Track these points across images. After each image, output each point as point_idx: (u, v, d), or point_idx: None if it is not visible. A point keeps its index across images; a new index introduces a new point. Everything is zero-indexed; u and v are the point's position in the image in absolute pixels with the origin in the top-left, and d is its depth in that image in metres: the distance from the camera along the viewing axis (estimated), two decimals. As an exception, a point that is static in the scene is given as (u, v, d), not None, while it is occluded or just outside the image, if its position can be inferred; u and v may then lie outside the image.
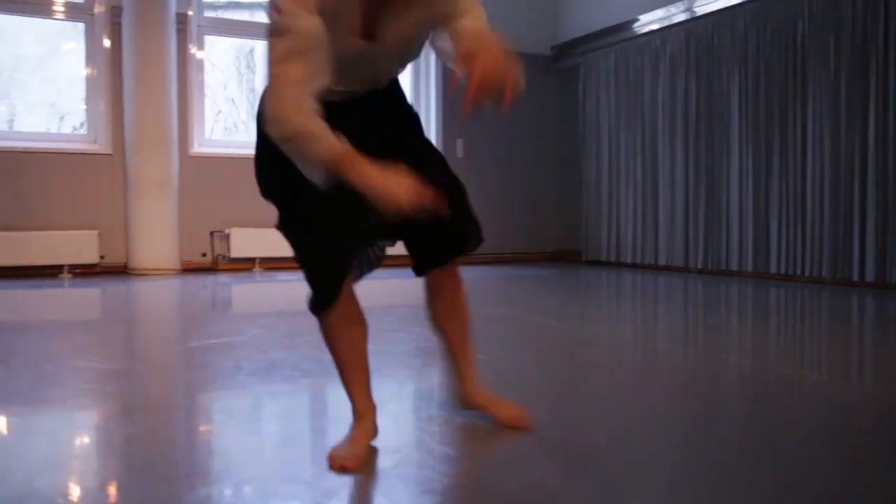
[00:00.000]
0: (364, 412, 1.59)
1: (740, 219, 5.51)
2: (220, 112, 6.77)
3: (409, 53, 1.54)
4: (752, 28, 5.36)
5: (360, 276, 1.63)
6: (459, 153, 6.99)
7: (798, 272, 5.11)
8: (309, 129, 1.33)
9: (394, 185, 1.31)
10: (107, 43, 5.88)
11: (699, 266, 5.87)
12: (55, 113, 6.28)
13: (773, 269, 5.28)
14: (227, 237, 6.15)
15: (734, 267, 5.57)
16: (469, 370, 1.76)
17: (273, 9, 1.34)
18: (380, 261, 1.69)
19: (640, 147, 6.40)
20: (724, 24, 5.58)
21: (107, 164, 5.88)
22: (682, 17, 5.93)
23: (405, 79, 6.80)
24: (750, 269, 5.45)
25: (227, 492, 1.37)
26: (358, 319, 1.61)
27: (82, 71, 5.98)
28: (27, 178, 5.64)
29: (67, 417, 1.96)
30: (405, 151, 1.52)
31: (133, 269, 5.79)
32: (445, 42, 1.48)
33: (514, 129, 7.22)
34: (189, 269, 6.03)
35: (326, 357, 1.63)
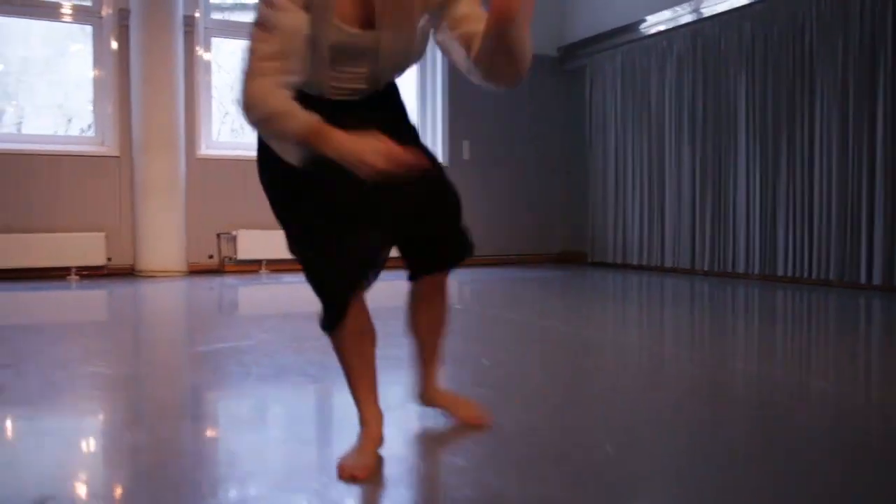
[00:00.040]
0: (371, 420, 1.61)
1: (747, 221, 5.50)
2: (227, 114, 6.78)
3: (410, 47, 1.55)
4: (760, 29, 5.35)
5: (367, 286, 1.64)
6: (466, 154, 6.99)
7: (805, 275, 5.10)
8: (282, 109, 1.38)
9: (368, 148, 1.34)
10: (114, 45, 5.90)
11: (706, 268, 5.85)
12: (63, 115, 6.31)
13: (780, 272, 5.27)
14: (234, 239, 6.16)
15: (741, 269, 5.56)
16: (435, 372, 1.85)
17: (263, 1, 1.40)
18: (383, 266, 1.70)
19: (647, 148, 6.39)
20: (732, 25, 5.56)
21: (114, 166, 5.90)
22: (688, 18, 5.91)
23: (411, 80, 6.81)
24: (757, 271, 5.44)
25: (236, 501, 1.38)
26: (368, 329, 1.63)
27: (90, 73, 6.01)
28: (35, 181, 5.66)
29: (76, 424, 1.97)
30: None
31: (140, 271, 5.81)
32: (447, 35, 1.51)
33: (520, 131, 7.23)
34: (196, 271, 6.05)
35: (334, 362, 1.64)
